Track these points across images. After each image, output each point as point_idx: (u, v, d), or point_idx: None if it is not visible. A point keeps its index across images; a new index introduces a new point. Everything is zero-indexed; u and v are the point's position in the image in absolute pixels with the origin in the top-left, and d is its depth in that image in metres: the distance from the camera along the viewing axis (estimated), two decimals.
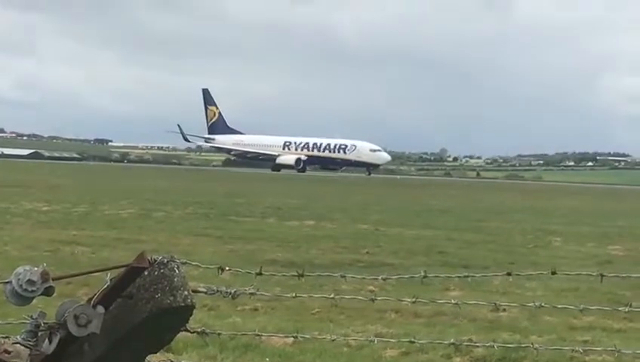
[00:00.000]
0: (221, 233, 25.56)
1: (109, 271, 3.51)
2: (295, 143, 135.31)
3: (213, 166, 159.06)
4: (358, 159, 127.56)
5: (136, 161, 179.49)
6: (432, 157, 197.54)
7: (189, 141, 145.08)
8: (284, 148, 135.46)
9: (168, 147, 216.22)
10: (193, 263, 3.82)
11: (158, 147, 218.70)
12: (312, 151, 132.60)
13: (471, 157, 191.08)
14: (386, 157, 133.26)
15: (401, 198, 55.34)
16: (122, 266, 3.50)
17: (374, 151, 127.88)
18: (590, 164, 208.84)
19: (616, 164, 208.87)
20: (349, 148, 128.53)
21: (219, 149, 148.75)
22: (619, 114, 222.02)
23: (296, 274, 3.94)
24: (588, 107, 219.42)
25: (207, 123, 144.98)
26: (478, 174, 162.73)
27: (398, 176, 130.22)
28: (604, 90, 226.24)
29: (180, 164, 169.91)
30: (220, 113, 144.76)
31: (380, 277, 4.38)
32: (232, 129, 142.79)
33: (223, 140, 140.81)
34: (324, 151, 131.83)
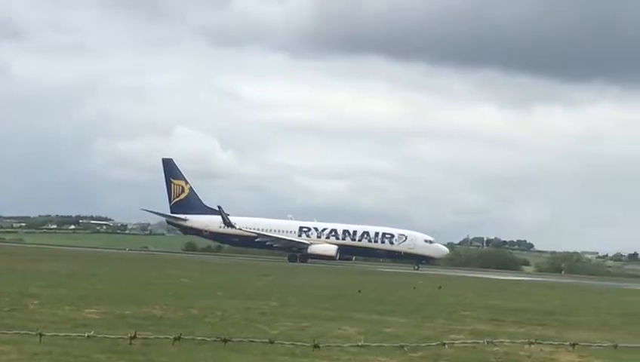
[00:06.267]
0: None
1: None
2: (317, 229, 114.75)
3: None
4: (409, 251, 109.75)
5: None
6: None
7: (233, 227, 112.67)
8: (300, 235, 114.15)
9: None
10: None
11: None
12: (344, 239, 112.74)
13: None
14: (445, 249, 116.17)
15: None
16: None
17: (430, 242, 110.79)
18: (73, 227, 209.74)
19: (98, 227, 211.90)
20: (396, 238, 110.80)
21: (194, 231, 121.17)
22: (104, 178, 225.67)
23: None
24: (75, 171, 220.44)
25: (171, 200, 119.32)
26: None
27: None
28: (93, 154, 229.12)
29: None
30: (191, 188, 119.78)
31: None
32: (209, 208, 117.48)
33: (201, 221, 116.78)
34: (360, 240, 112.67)
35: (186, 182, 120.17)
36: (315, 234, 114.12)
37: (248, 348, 17.14)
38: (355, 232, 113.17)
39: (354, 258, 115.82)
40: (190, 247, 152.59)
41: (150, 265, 71.48)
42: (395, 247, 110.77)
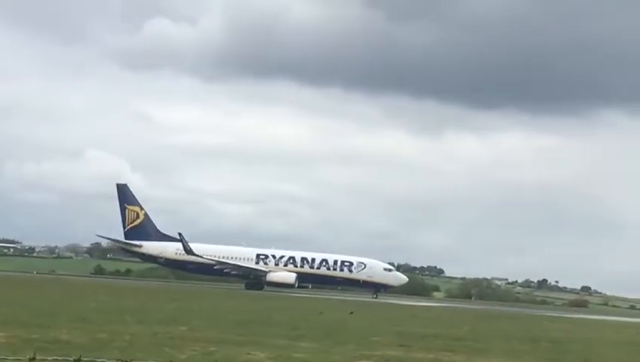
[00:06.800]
0: None
1: None
2: (274, 257, 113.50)
3: None
4: (368, 279, 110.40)
5: None
6: None
7: (194, 254, 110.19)
8: (257, 262, 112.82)
9: None
10: None
11: None
12: (302, 267, 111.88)
13: None
14: (403, 277, 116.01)
15: None
16: None
17: (389, 270, 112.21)
18: None
19: (6, 250, 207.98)
20: (355, 266, 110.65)
21: (149, 258, 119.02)
22: (13, 200, 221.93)
23: None
24: None
25: (125, 226, 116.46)
26: None
27: None
28: (1, 177, 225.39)
29: None
30: (146, 214, 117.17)
31: None
32: (166, 235, 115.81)
33: (157, 247, 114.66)
34: (319, 268, 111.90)
35: (141, 208, 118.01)
36: (273, 261, 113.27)
37: None
38: (313, 260, 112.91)
39: (310, 286, 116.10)
40: (99, 271, 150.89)
41: (58, 288, 70.19)
42: (354, 275, 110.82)
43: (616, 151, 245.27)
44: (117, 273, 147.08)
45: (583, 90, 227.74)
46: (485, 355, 29.08)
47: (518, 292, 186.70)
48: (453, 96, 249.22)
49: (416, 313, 66.36)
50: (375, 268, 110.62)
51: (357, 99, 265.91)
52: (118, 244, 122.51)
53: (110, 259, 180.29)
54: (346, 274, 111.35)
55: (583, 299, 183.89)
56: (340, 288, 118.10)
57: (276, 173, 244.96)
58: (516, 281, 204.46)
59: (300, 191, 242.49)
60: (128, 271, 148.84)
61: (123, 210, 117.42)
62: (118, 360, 6.72)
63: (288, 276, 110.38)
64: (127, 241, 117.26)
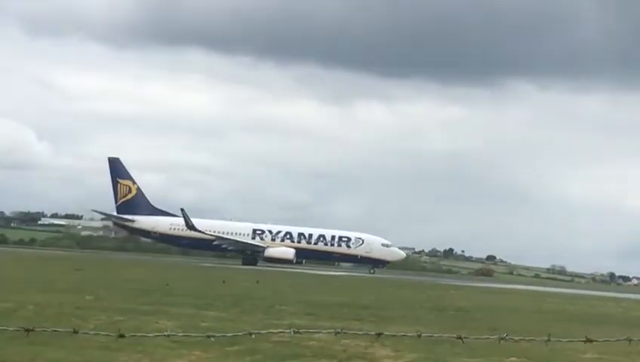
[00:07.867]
0: None
1: None
2: (271, 232, 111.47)
3: None
4: (366, 255, 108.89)
5: None
6: None
7: (196, 229, 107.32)
8: (254, 237, 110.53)
9: None
10: None
11: None
12: (299, 242, 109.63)
13: None
14: (401, 253, 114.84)
15: None
16: None
17: (387, 246, 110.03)
18: None
19: None
20: (353, 241, 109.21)
21: (142, 233, 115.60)
22: None
23: None
24: None
25: (117, 200, 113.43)
26: None
27: None
28: None
29: None
30: (139, 189, 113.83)
31: None
32: (159, 209, 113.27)
33: (150, 222, 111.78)
34: (317, 243, 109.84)
35: (134, 182, 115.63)
36: (270, 236, 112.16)
37: (63, 342, 16.69)
38: (310, 235, 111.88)
39: (303, 261, 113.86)
40: (2, 240, 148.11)
41: None
42: (352, 251, 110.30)
43: (524, 122, 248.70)
44: (21, 242, 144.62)
45: (493, 61, 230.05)
46: (392, 323, 29.42)
47: (425, 262, 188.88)
48: (364, 66, 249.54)
49: (323, 282, 66.81)
50: (373, 244, 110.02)
51: (267, 67, 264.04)
52: (111, 219, 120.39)
53: (14, 228, 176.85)
54: (343, 249, 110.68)
55: (488, 268, 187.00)
56: (337, 264, 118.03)
57: (185, 142, 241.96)
58: (423, 251, 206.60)
59: (209, 160, 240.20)
60: (32, 241, 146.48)
61: (115, 184, 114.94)
62: (20, 327, 6.57)
63: (287, 251, 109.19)
64: (120, 216, 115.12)
